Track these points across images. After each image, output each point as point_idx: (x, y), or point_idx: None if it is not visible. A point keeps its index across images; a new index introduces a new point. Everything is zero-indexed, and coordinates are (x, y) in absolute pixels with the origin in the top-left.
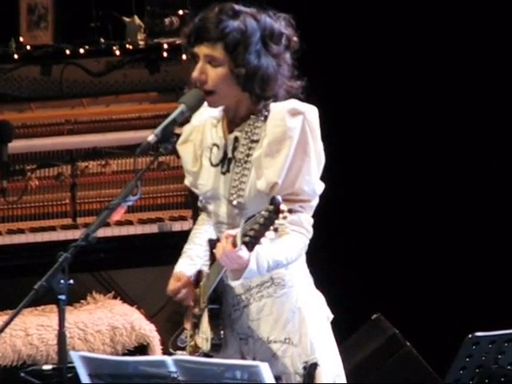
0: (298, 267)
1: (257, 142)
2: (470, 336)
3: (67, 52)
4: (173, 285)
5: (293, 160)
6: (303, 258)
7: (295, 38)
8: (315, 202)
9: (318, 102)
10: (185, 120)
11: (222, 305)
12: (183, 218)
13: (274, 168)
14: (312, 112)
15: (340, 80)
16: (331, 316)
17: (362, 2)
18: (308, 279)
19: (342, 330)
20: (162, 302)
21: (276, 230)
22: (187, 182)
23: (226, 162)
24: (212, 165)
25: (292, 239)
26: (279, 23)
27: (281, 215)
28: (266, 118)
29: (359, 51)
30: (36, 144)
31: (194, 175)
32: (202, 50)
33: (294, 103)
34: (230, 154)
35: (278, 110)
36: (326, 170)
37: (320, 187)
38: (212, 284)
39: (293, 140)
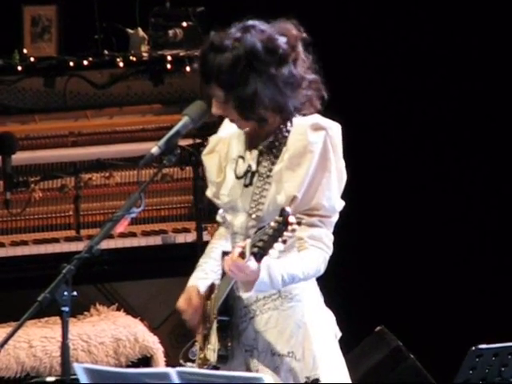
0: (307, 283)
1: (278, 156)
2: (474, 348)
3: (71, 64)
4: (182, 303)
5: (313, 175)
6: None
7: (304, 35)
8: (335, 218)
9: (340, 119)
10: (212, 131)
11: (231, 317)
12: (187, 230)
13: (293, 181)
14: (335, 128)
15: (359, 96)
16: (339, 334)
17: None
18: (317, 296)
19: (346, 342)
20: (166, 313)
21: (285, 241)
22: (209, 192)
23: (249, 175)
24: (237, 177)
25: (310, 254)
26: (272, 32)
27: (289, 227)
28: (289, 132)
29: (382, 75)
30: (40, 156)
31: (217, 186)
32: (209, 89)
33: (317, 118)
34: (254, 168)
35: (301, 124)
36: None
37: (340, 204)
38: (222, 295)
39: (314, 154)
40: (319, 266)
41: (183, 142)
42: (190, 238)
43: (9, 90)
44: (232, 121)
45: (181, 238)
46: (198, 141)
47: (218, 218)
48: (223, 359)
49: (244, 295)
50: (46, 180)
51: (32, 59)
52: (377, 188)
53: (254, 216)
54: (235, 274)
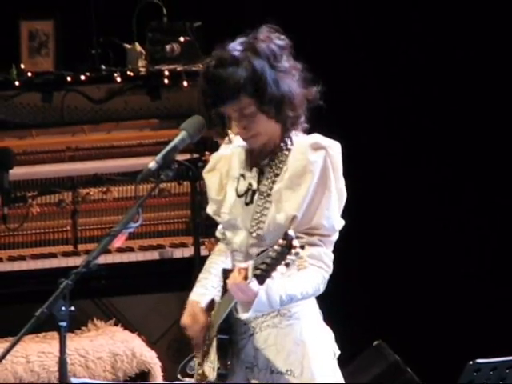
0: (306, 301)
1: (278, 175)
2: (472, 363)
3: (68, 79)
4: (187, 319)
5: (313, 194)
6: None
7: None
8: (335, 237)
9: (340, 138)
10: (214, 147)
11: (231, 335)
12: (184, 245)
13: (293, 201)
14: (335, 147)
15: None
16: (338, 352)
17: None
18: (316, 313)
19: (343, 356)
20: (163, 328)
21: (288, 265)
22: (210, 210)
23: (250, 194)
24: (237, 195)
25: (309, 273)
26: (274, 37)
27: (293, 251)
28: (289, 150)
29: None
30: (37, 171)
31: (218, 203)
32: (229, 109)
33: (317, 138)
34: (254, 186)
35: (301, 143)
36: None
37: (340, 223)
38: (222, 314)
39: (314, 174)
40: (318, 285)
41: (180, 157)
42: (188, 252)
43: (6, 105)
44: (252, 136)
45: (178, 253)
46: (195, 156)
47: (218, 234)
48: (223, 378)
49: (242, 316)
50: (43, 195)
51: (29, 74)
52: (375, 204)
53: (254, 234)
54: (237, 294)
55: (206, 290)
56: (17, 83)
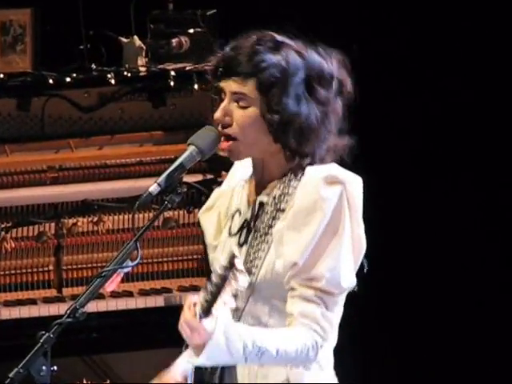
0: (323, 371)
1: (283, 211)
2: None
3: (50, 81)
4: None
5: (320, 238)
6: (330, 362)
7: (349, 84)
8: (341, 297)
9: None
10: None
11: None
12: (195, 288)
13: (296, 245)
14: (354, 183)
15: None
16: None
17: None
18: (325, 361)
19: None
20: None
21: (235, 296)
22: (211, 257)
23: (244, 232)
24: (230, 235)
25: (295, 332)
26: (330, 63)
27: (236, 273)
28: (299, 183)
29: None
30: (12, 196)
31: (214, 250)
32: (230, 85)
33: (334, 169)
34: (251, 223)
35: (313, 174)
36: None
37: (348, 280)
38: None
39: (324, 213)
40: (306, 349)
41: (190, 178)
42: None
43: None
44: (232, 139)
45: None
46: (209, 176)
47: None
48: None
49: (195, 362)
50: (19, 226)
51: (1, 76)
52: (405, 237)
53: None
54: (188, 334)
55: None
56: None
